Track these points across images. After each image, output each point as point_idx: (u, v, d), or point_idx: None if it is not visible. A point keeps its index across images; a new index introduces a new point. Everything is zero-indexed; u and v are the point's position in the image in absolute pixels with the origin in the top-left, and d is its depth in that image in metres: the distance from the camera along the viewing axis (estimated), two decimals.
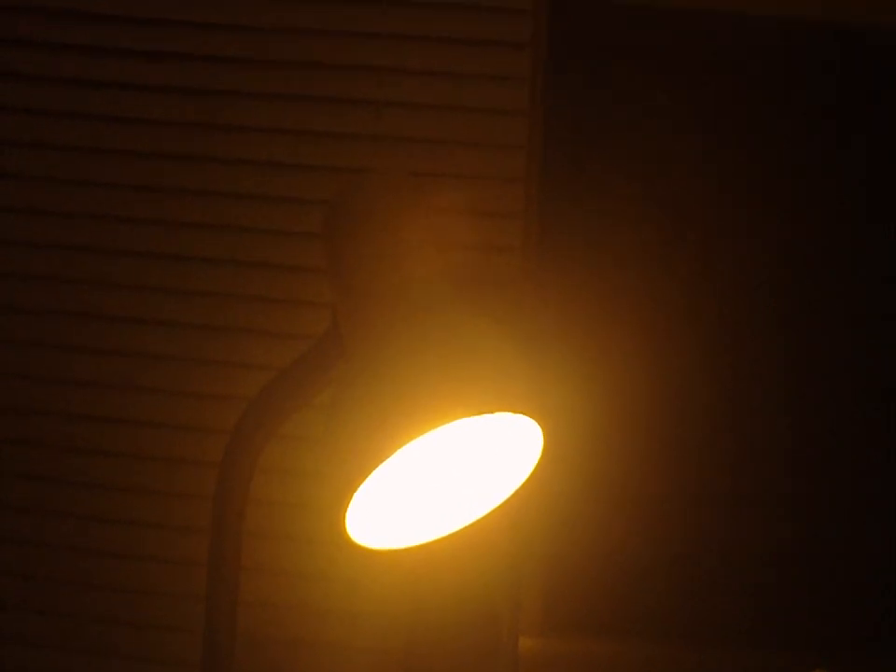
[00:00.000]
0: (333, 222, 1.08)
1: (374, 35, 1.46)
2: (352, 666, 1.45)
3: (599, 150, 1.54)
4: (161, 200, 1.47)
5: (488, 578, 1.43)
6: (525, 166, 1.45)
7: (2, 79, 1.48)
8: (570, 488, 1.52)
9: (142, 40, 1.47)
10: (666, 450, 1.54)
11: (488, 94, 1.45)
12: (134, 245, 1.47)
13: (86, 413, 1.47)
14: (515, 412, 1.02)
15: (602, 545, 1.53)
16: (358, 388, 1.02)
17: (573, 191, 1.54)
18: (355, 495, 1.01)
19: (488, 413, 1.00)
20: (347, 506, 1.02)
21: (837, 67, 1.53)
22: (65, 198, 1.48)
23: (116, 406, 1.48)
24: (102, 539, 1.48)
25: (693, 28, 1.54)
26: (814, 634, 1.53)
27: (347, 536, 1.06)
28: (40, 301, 1.48)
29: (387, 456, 1.00)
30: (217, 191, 1.47)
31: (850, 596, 1.53)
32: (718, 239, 1.54)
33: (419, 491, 1.12)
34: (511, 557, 1.44)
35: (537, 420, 1.04)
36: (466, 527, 1.13)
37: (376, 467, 1.00)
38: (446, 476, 1.12)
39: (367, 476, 1.00)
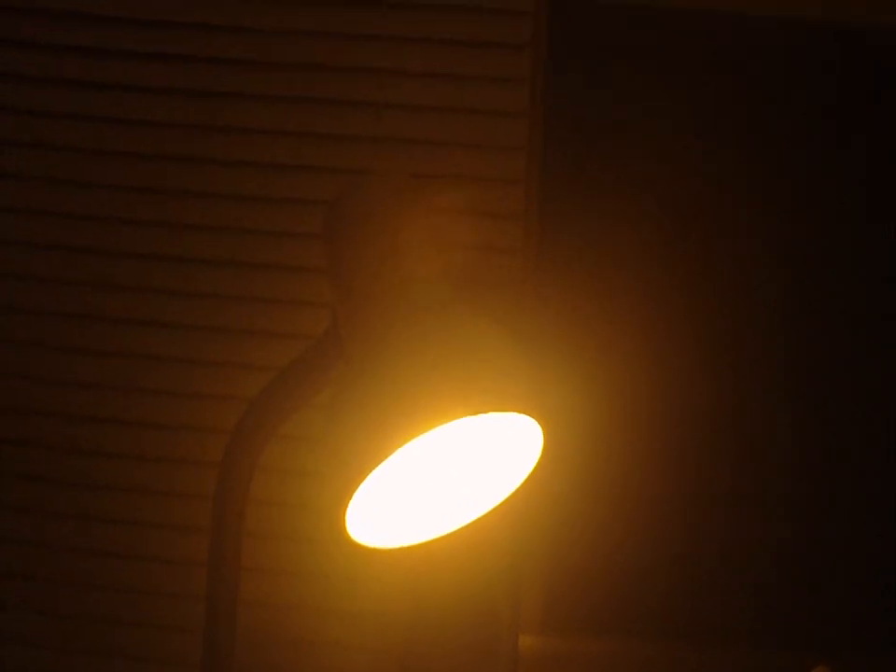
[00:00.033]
0: (333, 223, 1.08)
1: (375, 37, 1.46)
2: (352, 665, 1.45)
3: (599, 150, 1.54)
4: (164, 201, 1.47)
5: (488, 577, 1.43)
6: (525, 167, 1.45)
7: (5, 80, 1.48)
8: (570, 488, 1.52)
9: (144, 42, 1.47)
10: (666, 450, 1.54)
11: (488, 96, 1.45)
12: (137, 247, 1.48)
13: (88, 413, 1.48)
14: (515, 411, 1.02)
15: (602, 544, 1.53)
16: (358, 388, 1.02)
17: (573, 192, 1.54)
18: (355, 494, 1.02)
19: (488, 412, 1.00)
20: (347, 505, 1.02)
21: (837, 67, 1.53)
22: (68, 199, 1.48)
23: (117, 407, 1.48)
24: (103, 540, 1.48)
25: (693, 28, 1.54)
26: (814, 634, 1.53)
27: (347, 535, 1.06)
28: (42, 302, 1.48)
29: (387, 456, 1.00)
30: (218, 193, 1.47)
31: (850, 596, 1.53)
32: (718, 239, 1.54)
33: (419, 490, 1.12)
34: (510, 556, 1.44)
35: (536, 420, 1.05)
36: (466, 527, 1.13)
37: (376, 466, 1.00)
38: (446, 475, 1.12)
39: (367, 475, 1.00)
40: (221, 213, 1.47)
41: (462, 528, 1.13)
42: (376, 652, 1.45)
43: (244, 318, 1.47)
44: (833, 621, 1.53)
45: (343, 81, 1.46)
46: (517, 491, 1.12)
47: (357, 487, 1.01)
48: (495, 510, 1.13)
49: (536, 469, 1.10)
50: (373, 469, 1.00)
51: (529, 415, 1.03)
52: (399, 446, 1.00)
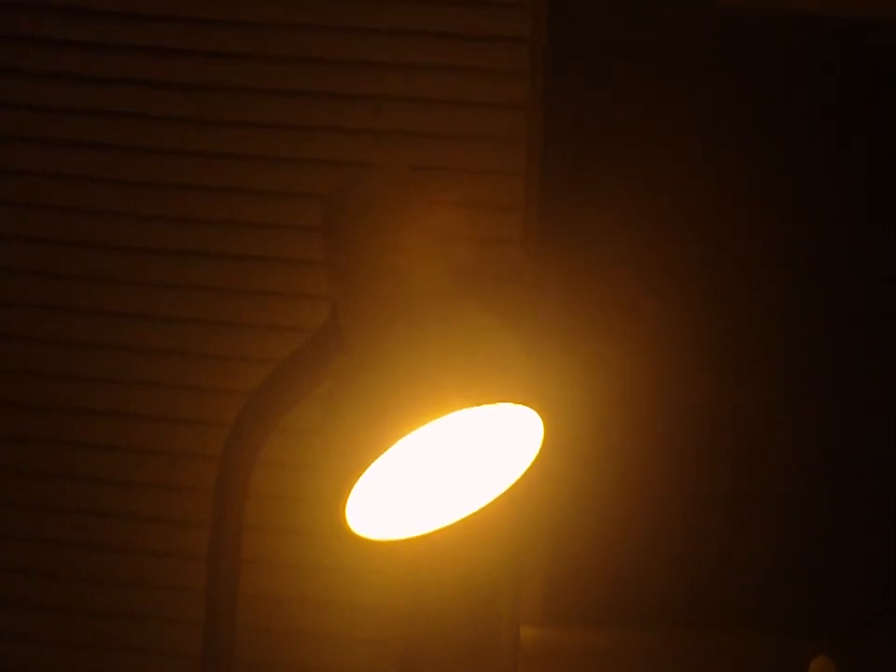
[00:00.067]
0: (332, 216, 1.08)
1: (374, 30, 1.46)
2: (352, 658, 1.45)
3: (599, 150, 1.54)
4: (162, 195, 1.47)
5: (488, 568, 1.43)
6: (524, 160, 1.45)
7: (3, 75, 1.48)
8: (571, 479, 1.52)
9: (142, 36, 1.47)
10: (666, 449, 1.53)
11: (488, 89, 1.45)
12: (134, 241, 1.48)
13: (85, 407, 1.48)
14: (515, 402, 1.02)
15: (603, 535, 1.52)
16: (358, 380, 1.02)
17: (573, 191, 1.54)
18: (355, 486, 1.01)
19: (488, 403, 1.00)
20: (347, 497, 1.02)
21: (837, 67, 1.53)
22: (64, 193, 1.48)
23: (115, 400, 1.48)
24: (102, 534, 1.48)
25: (692, 28, 1.54)
26: (814, 634, 1.53)
27: (347, 527, 1.06)
28: (39, 296, 1.48)
29: (387, 448, 1.00)
30: (217, 186, 1.47)
31: (850, 596, 1.53)
32: (718, 239, 1.54)
33: (419, 482, 1.12)
34: (511, 548, 1.44)
35: (537, 411, 1.04)
36: (466, 518, 1.13)
37: (376, 458, 1.00)
38: (446, 467, 1.12)
39: (367, 467, 1.00)
40: (221, 206, 1.47)
41: (462, 520, 1.13)
42: (377, 645, 1.45)
43: (243, 311, 1.47)
44: (834, 621, 1.53)
45: (342, 74, 1.46)
46: (517, 483, 1.12)
47: (356, 479, 1.01)
48: (495, 502, 1.13)
49: (536, 460, 1.10)
50: (373, 461, 1.00)
51: (529, 407, 1.03)
52: (399, 438, 0.99)
